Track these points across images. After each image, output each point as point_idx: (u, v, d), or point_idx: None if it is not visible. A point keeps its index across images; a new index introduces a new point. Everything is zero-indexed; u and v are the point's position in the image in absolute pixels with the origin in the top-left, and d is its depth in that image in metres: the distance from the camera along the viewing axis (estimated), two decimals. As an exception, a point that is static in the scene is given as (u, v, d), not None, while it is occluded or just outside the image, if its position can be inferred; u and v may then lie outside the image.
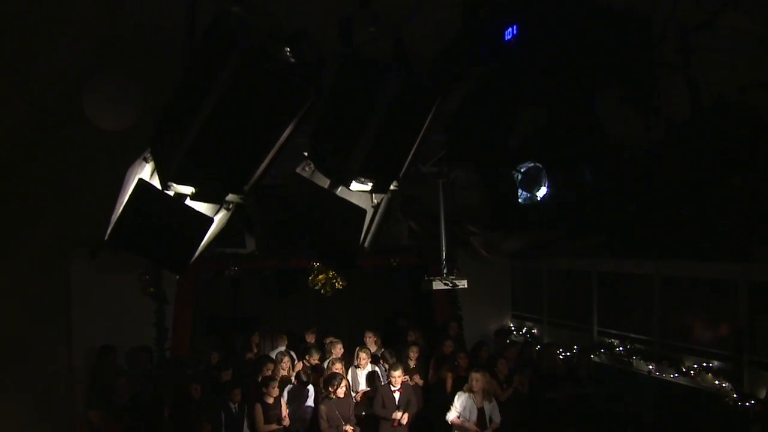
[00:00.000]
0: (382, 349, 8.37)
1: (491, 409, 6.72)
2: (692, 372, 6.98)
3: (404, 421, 6.89)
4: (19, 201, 6.80)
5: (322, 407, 6.72)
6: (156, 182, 2.77)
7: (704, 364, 6.91)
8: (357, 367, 7.83)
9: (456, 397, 6.80)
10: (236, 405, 6.94)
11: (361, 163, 2.86)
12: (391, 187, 3.11)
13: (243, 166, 2.83)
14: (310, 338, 8.90)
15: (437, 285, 6.49)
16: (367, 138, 2.85)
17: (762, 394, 6.21)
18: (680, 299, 7.53)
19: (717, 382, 6.68)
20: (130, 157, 3.15)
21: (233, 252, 9.06)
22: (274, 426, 6.76)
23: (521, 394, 7.43)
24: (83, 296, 8.47)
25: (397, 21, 3.33)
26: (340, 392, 6.75)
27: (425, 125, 3.05)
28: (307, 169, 2.97)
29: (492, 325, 10.40)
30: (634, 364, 7.89)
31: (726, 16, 3.24)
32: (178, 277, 8.76)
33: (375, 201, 3.12)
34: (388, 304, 10.45)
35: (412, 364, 8.14)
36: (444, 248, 6.82)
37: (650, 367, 7.58)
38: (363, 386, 7.78)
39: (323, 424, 6.63)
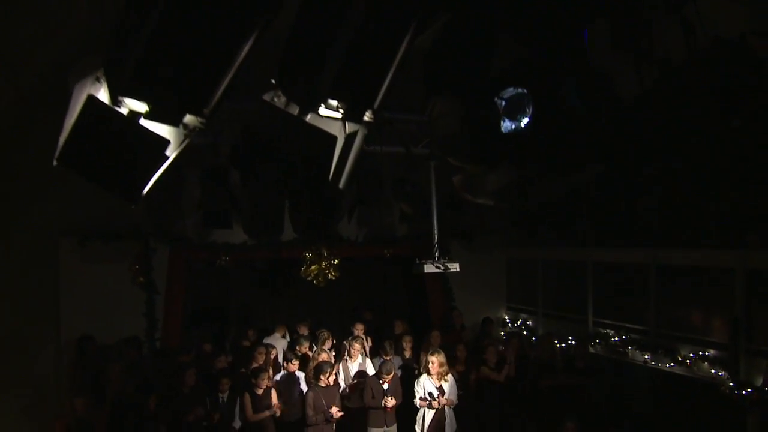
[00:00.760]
0: (369, 340, 8.34)
1: (449, 387, 7.00)
2: (688, 361, 6.92)
3: (389, 404, 6.85)
4: (7, 189, 6.71)
5: (310, 394, 6.72)
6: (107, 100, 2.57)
7: (700, 353, 6.85)
8: (349, 357, 7.72)
9: (416, 382, 7.05)
10: (224, 395, 6.89)
11: (329, 84, 2.71)
12: (366, 118, 2.94)
13: (200, 83, 2.59)
14: (303, 330, 8.82)
15: (429, 268, 6.39)
16: (335, 56, 2.68)
17: (758, 383, 6.14)
18: (676, 288, 7.44)
19: (713, 370, 6.62)
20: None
21: (224, 242, 8.97)
22: (265, 413, 6.67)
23: (511, 377, 7.76)
24: (72, 286, 8.36)
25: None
26: (330, 380, 6.76)
27: (400, 51, 2.85)
28: (276, 99, 2.81)
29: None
30: (630, 354, 7.82)
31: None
32: (168, 258, 8.67)
33: (348, 130, 2.94)
34: (380, 295, 10.37)
35: (407, 354, 8.22)
36: (436, 231, 6.71)
37: (646, 356, 7.51)
38: (352, 376, 7.67)
39: (309, 412, 6.57)
